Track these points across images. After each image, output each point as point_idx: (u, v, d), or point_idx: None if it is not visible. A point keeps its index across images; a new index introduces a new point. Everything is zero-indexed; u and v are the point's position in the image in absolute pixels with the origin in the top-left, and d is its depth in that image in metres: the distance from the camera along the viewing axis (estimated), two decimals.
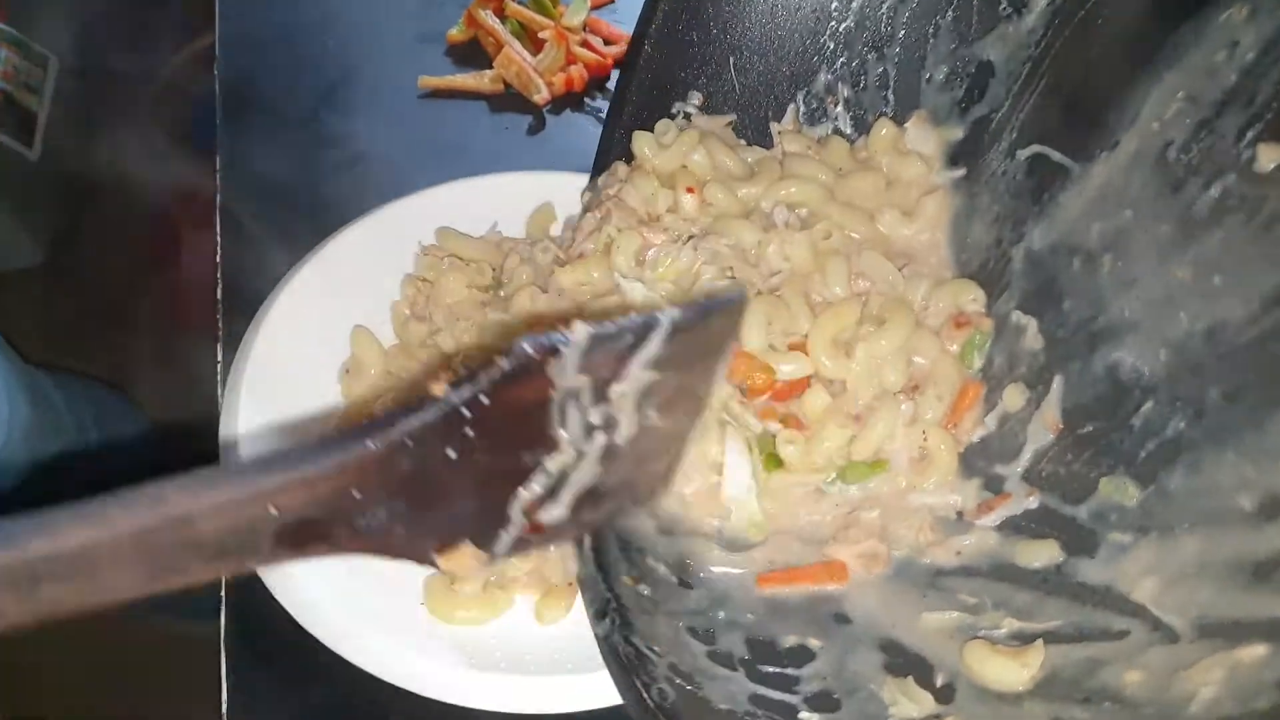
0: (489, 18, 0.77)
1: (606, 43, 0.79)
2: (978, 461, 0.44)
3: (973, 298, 0.47)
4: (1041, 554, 0.40)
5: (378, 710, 0.53)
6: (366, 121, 0.75)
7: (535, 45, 0.77)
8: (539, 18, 0.77)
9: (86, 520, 0.29)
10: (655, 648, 0.38)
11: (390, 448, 0.31)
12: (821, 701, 0.37)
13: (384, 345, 0.61)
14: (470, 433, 0.32)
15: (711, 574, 0.44)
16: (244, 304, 0.62)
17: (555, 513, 0.37)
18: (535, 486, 0.35)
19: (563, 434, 0.34)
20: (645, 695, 0.36)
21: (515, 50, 0.75)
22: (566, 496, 0.37)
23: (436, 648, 0.53)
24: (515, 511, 0.36)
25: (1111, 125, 0.39)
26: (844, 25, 0.49)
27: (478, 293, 0.60)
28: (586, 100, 0.77)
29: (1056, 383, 0.42)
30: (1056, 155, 0.43)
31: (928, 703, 0.36)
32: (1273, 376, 0.32)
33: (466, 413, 0.31)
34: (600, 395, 0.35)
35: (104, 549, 0.29)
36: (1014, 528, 0.41)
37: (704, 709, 0.36)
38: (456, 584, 0.53)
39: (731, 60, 0.50)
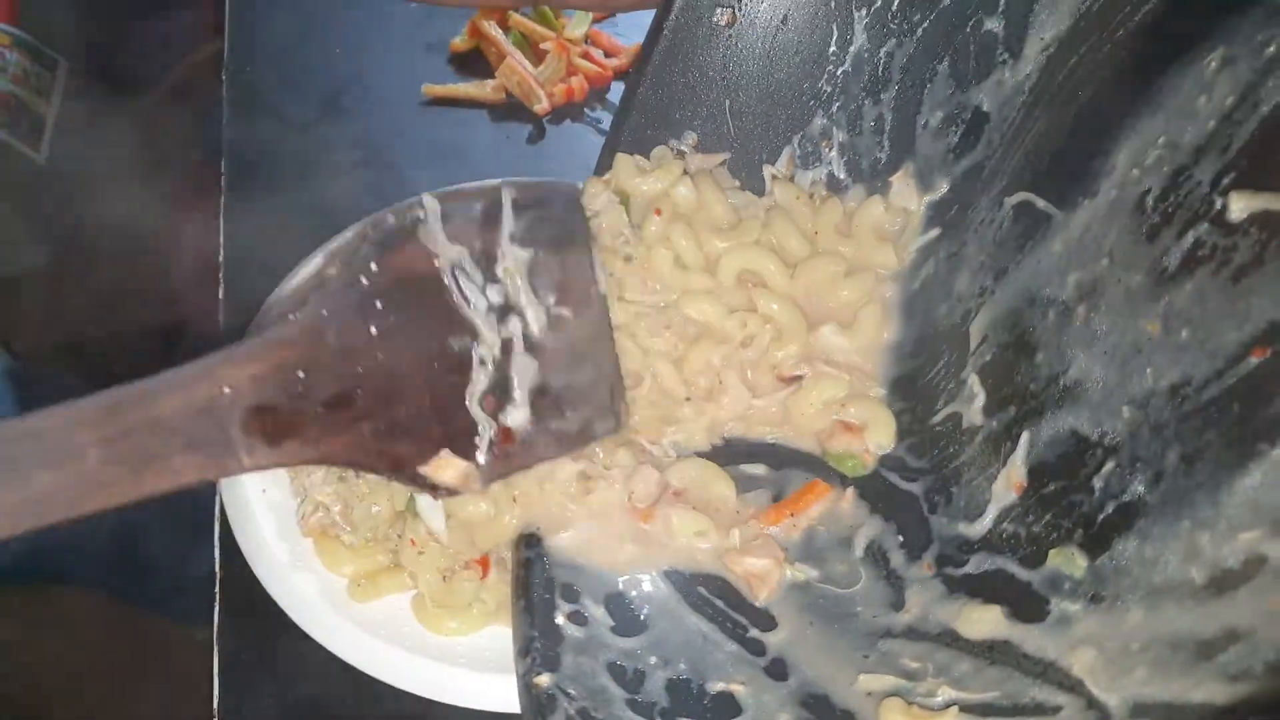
0: (492, 28, 0.78)
1: (607, 54, 0.80)
2: (939, 522, 0.43)
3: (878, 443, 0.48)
4: (988, 620, 0.39)
5: (367, 706, 0.54)
6: (370, 128, 0.76)
7: (537, 56, 0.78)
8: (541, 29, 0.78)
9: (64, 408, 0.33)
10: (571, 691, 0.39)
11: (310, 320, 0.35)
12: None
13: None
14: (379, 305, 0.35)
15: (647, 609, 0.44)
16: (245, 306, 0.63)
17: (518, 415, 0.40)
18: (480, 378, 0.38)
19: (471, 314, 0.37)
20: None
21: (517, 60, 0.76)
22: (519, 395, 0.40)
23: (426, 645, 0.53)
24: (475, 409, 0.39)
25: (1095, 172, 0.39)
26: (841, 69, 0.49)
27: None
28: (586, 111, 0.79)
29: (1023, 439, 0.41)
30: (1041, 203, 0.42)
31: None
32: (1231, 439, 0.31)
33: (365, 281, 0.35)
34: (488, 272, 0.38)
35: (84, 431, 0.32)
36: (967, 588, 0.41)
37: None
38: (441, 603, 0.54)
39: (728, 103, 0.51)
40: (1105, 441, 0.37)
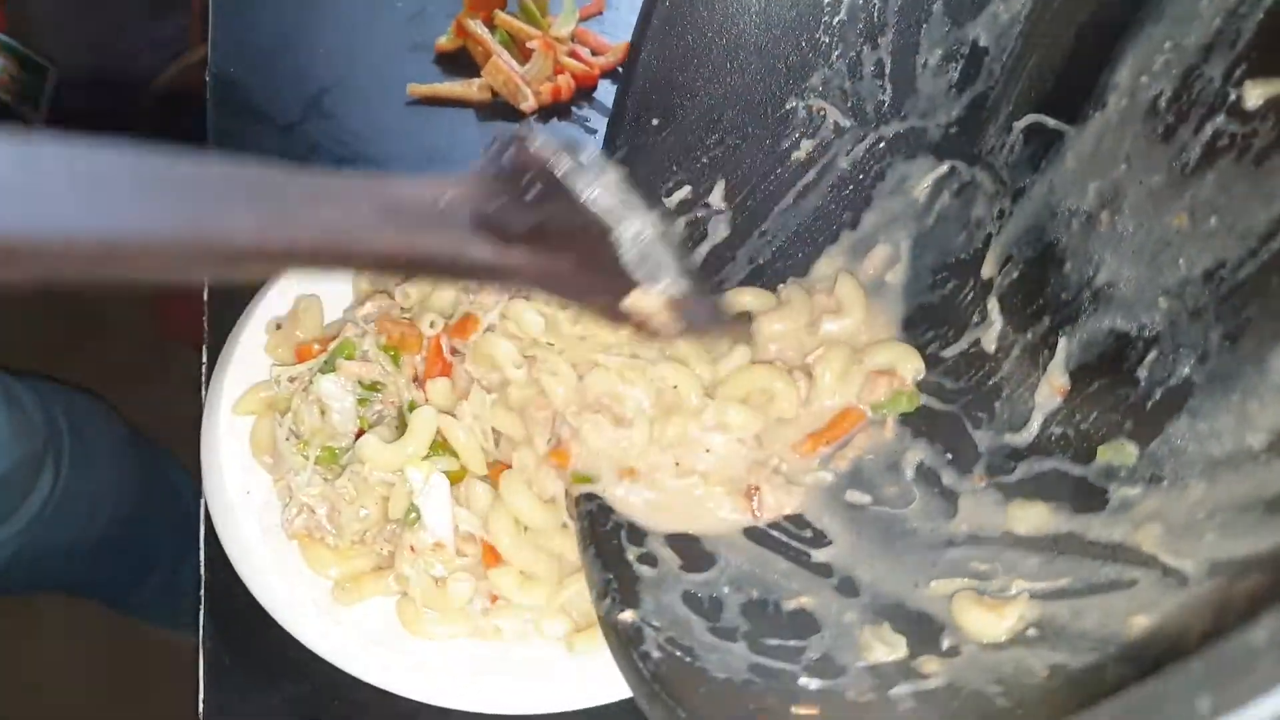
0: (478, 27, 0.77)
1: (594, 53, 0.79)
2: (984, 436, 0.44)
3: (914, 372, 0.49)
4: (1047, 518, 0.40)
5: (354, 710, 0.53)
6: (355, 127, 0.76)
7: (523, 54, 0.77)
8: (527, 27, 0.78)
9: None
10: (654, 623, 0.40)
11: (482, 175, 0.38)
12: (823, 667, 0.38)
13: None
14: (523, 182, 0.37)
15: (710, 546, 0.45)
16: (229, 307, 0.62)
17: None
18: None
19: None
20: (640, 666, 0.37)
21: (503, 59, 0.75)
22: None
23: (413, 649, 0.52)
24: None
25: (1102, 85, 0.40)
26: (837, 19, 0.50)
27: None
28: (574, 109, 0.78)
29: (1061, 346, 0.42)
30: (1052, 122, 0.43)
31: (900, 646, 0.37)
32: (1273, 311, 0.33)
33: (506, 164, 0.37)
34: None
35: (354, 187, 0.34)
36: (1021, 492, 0.41)
37: (700, 678, 0.37)
38: (433, 606, 0.54)
39: (728, 63, 0.51)
40: (1145, 334, 0.38)
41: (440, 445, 0.56)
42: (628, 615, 0.41)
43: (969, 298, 0.48)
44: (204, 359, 0.65)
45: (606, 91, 0.80)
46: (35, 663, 1.23)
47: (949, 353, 0.48)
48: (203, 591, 0.57)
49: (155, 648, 1.16)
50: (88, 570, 1.00)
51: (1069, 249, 0.42)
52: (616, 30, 0.83)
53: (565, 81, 0.78)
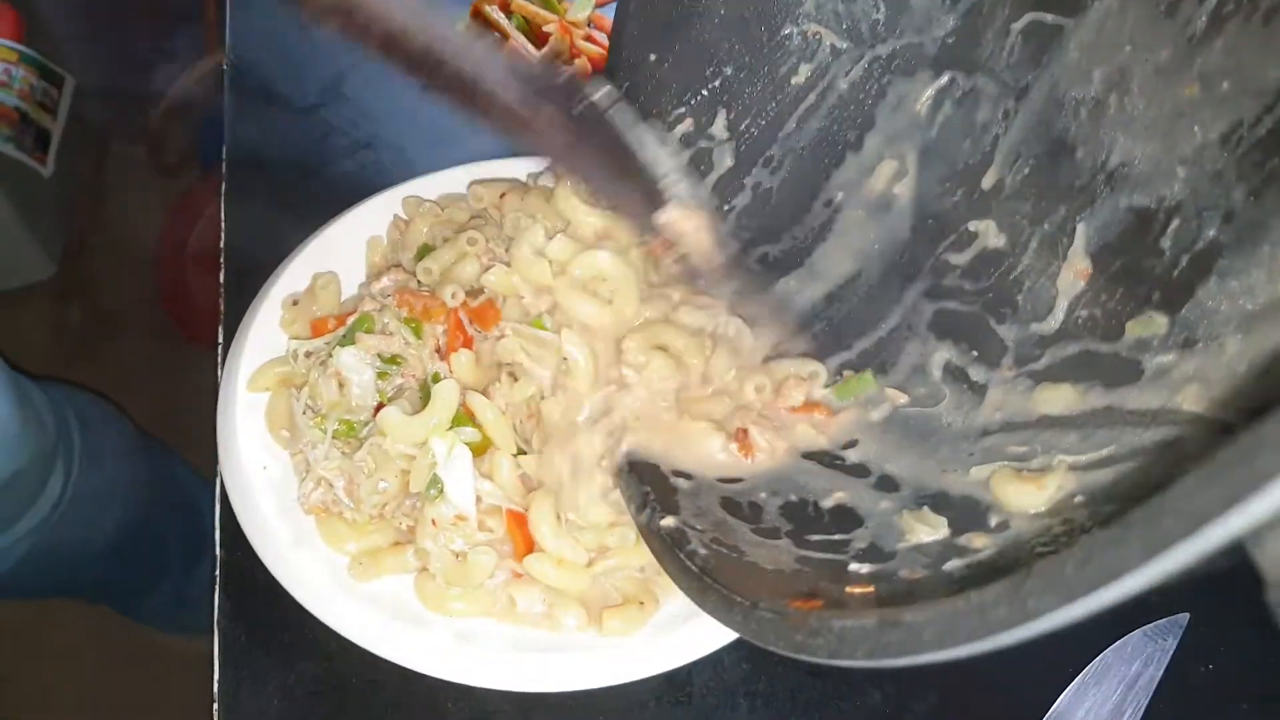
0: (494, 13, 0.77)
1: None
2: (1010, 330, 0.43)
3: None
4: (1076, 397, 0.39)
5: (373, 688, 0.52)
6: (372, 111, 0.76)
7: (540, 40, 0.77)
8: (544, 12, 0.77)
9: None
10: (696, 525, 0.40)
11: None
12: (872, 554, 0.37)
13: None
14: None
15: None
16: (246, 287, 0.61)
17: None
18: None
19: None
20: (689, 563, 0.37)
21: (520, 44, 0.74)
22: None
23: (433, 625, 0.51)
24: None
25: None
26: None
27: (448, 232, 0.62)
28: None
29: (1079, 231, 0.42)
30: (1049, 17, 0.44)
31: (942, 526, 0.37)
32: None
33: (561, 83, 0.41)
34: None
35: None
36: (1051, 376, 0.41)
37: (750, 570, 0.36)
38: (454, 581, 0.53)
39: None
40: (1165, 205, 0.38)
41: (463, 417, 0.54)
42: (669, 521, 0.41)
43: (979, 199, 0.47)
44: (220, 339, 0.64)
45: None
46: (47, 668, 1.21)
47: (964, 257, 0.47)
48: (218, 571, 0.56)
49: (168, 652, 1.14)
50: (99, 573, 0.99)
51: (1079, 136, 0.42)
52: None
53: (583, 65, 0.77)
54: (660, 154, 0.40)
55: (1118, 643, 0.58)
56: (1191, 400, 0.34)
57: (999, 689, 0.56)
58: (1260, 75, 0.34)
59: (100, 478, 0.89)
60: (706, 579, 0.35)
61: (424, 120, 0.76)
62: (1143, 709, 0.56)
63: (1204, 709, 0.57)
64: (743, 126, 0.53)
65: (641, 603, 0.53)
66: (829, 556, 0.37)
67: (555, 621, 0.53)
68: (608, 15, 0.82)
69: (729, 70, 0.52)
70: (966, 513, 0.38)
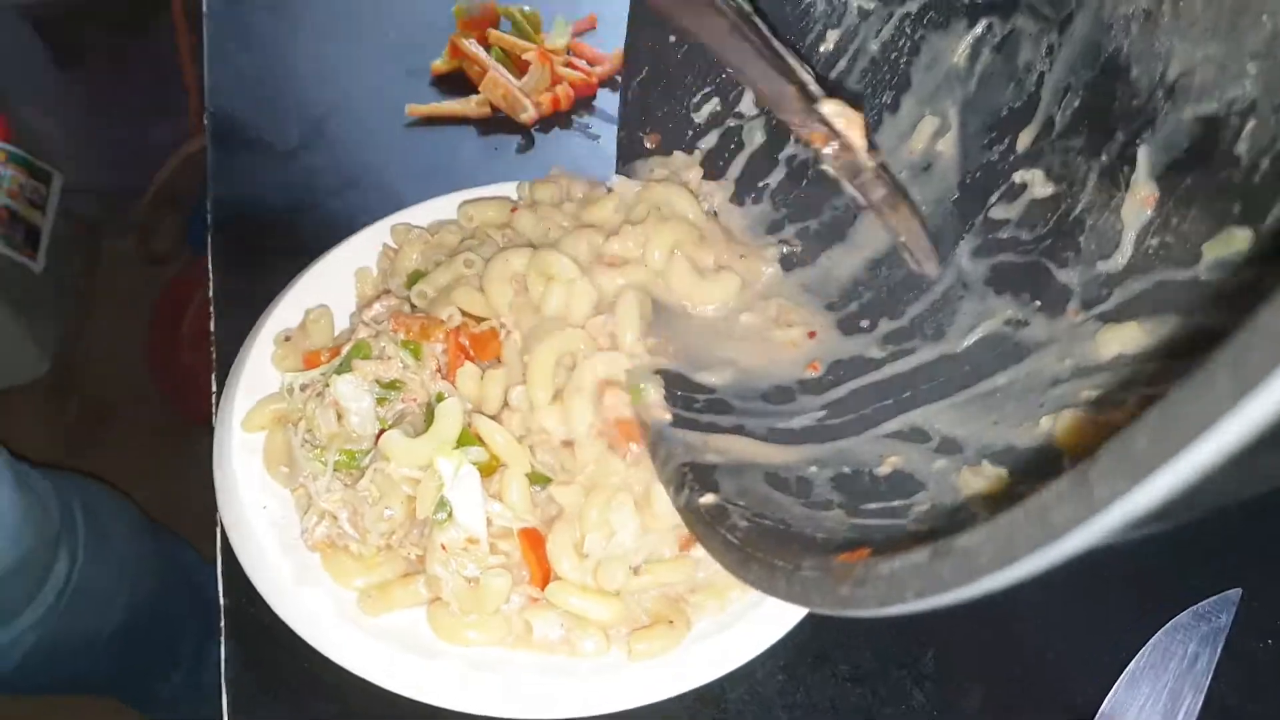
0: (472, 45, 0.77)
1: (591, 64, 0.78)
2: (1073, 274, 0.41)
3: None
4: (1146, 335, 0.36)
5: None
6: (356, 150, 0.76)
7: (520, 70, 0.78)
8: (522, 42, 0.77)
9: None
10: (739, 502, 0.37)
11: None
12: (934, 516, 0.34)
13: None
14: None
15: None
16: (236, 328, 0.60)
17: None
18: None
19: None
20: (729, 537, 0.35)
21: (500, 73, 0.74)
22: None
23: (447, 653, 0.48)
24: None
25: None
26: None
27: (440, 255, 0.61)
28: (574, 118, 0.77)
29: (1141, 154, 0.39)
30: None
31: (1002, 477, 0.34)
32: None
33: None
34: None
35: None
36: (1125, 315, 0.38)
37: (796, 539, 0.34)
38: (468, 609, 0.51)
39: None
40: (1237, 108, 0.35)
41: (469, 437, 0.52)
42: (709, 498, 0.38)
43: (1027, 142, 0.45)
44: (213, 386, 0.62)
45: (607, 99, 0.79)
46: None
47: (1016, 208, 0.45)
48: (222, 618, 0.53)
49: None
50: (108, 664, 0.96)
51: (1132, 54, 0.39)
52: (611, 43, 0.83)
53: (564, 91, 0.77)
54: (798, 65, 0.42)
55: (1167, 625, 0.55)
56: None
57: (1047, 684, 0.54)
58: None
59: (107, 564, 0.88)
60: (748, 550, 0.33)
61: (408, 156, 0.76)
62: (1204, 691, 0.53)
63: (1270, 686, 0.54)
64: None
65: (671, 622, 0.51)
66: (888, 523, 0.35)
67: (574, 647, 0.51)
68: (587, 42, 0.82)
69: None
70: (1032, 461, 0.35)
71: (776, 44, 0.40)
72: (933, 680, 0.53)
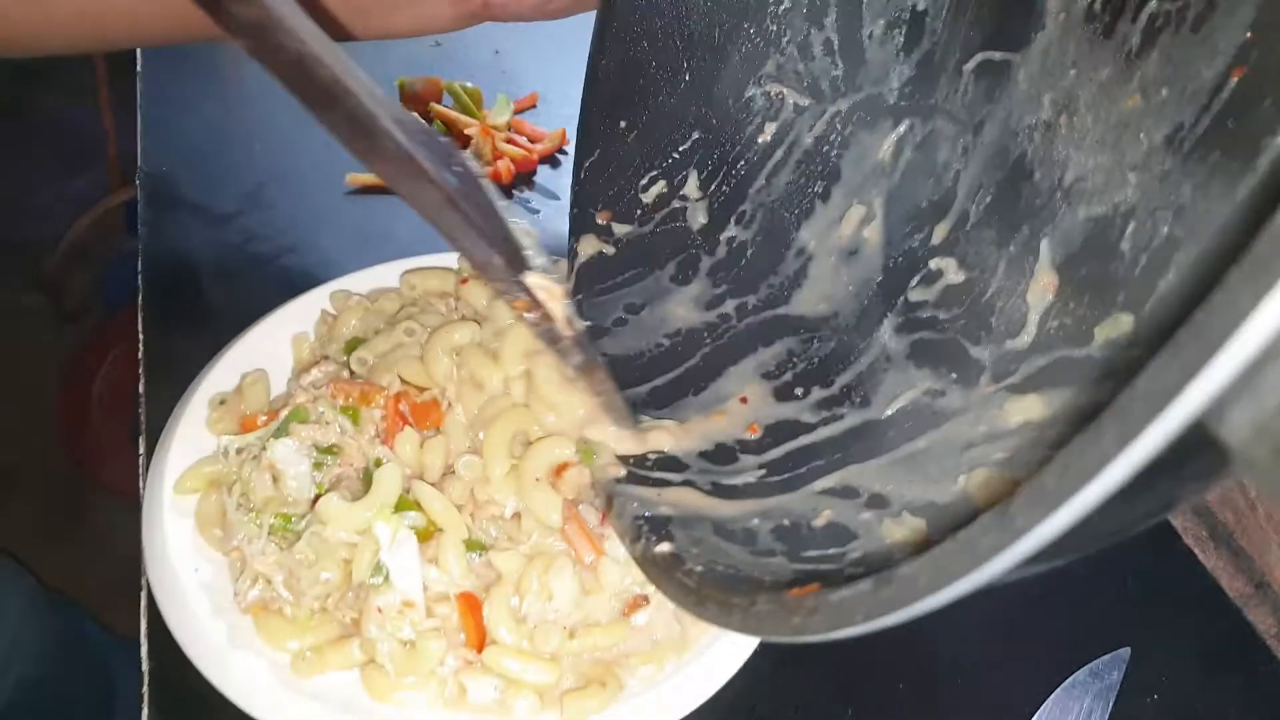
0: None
1: (532, 141, 0.81)
2: (984, 351, 0.45)
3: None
4: (1046, 406, 0.41)
5: None
6: (295, 217, 0.76)
7: (462, 144, 0.79)
8: (464, 117, 0.80)
9: None
10: (693, 551, 0.40)
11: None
12: (868, 561, 0.38)
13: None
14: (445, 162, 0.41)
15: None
16: (165, 390, 0.60)
17: None
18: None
19: None
20: (686, 581, 0.38)
21: None
22: None
23: (382, 716, 0.49)
24: None
25: (1039, 9, 0.44)
26: (782, 7, 0.53)
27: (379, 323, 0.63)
28: (514, 192, 0.79)
29: (1043, 247, 0.44)
30: (998, 55, 0.47)
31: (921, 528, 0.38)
32: (1233, 151, 0.35)
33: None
34: None
35: None
36: (1030, 387, 0.43)
37: (746, 582, 0.37)
38: (405, 671, 0.52)
39: (685, 63, 0.54)
40: (1121, 210, 0.40)
41: (407, 502, 0.53)
42: (665, 547, 0.41)
43: (946, 235, 0.50)
44: (141, 449, 0.62)
45: (547, 176, 0.82)
46: None
47: (934, 290, 0.49)
48: (145, 686, 0.52)
49: None
50: None
51: (1035, 159, 0.45)
52: (552, 121, 0.86)
53: (505, 166, 0.80)
54: (519, 228, 0.44)
55: (1065, 683, 0.59)
56: None
57: None
58: (1195, 78, 0.37)
59: (0, 638, 0.84)
60: (703, 592, 0.36)
61: (347, 224, 0.77)
62: None
63: None
64: (714, 186, 0.56)
65: (604, 683, 0.52)
66: (826, 568, 0.38)
67: (508, 709, 0.52)
68: (527, 120, 0.86)
69: (697, 134, 0.55)
70: (948, 513, 0.39)
71: (500, 212, 0.43)
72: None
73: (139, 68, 0.86)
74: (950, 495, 0.39)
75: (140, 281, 0.70)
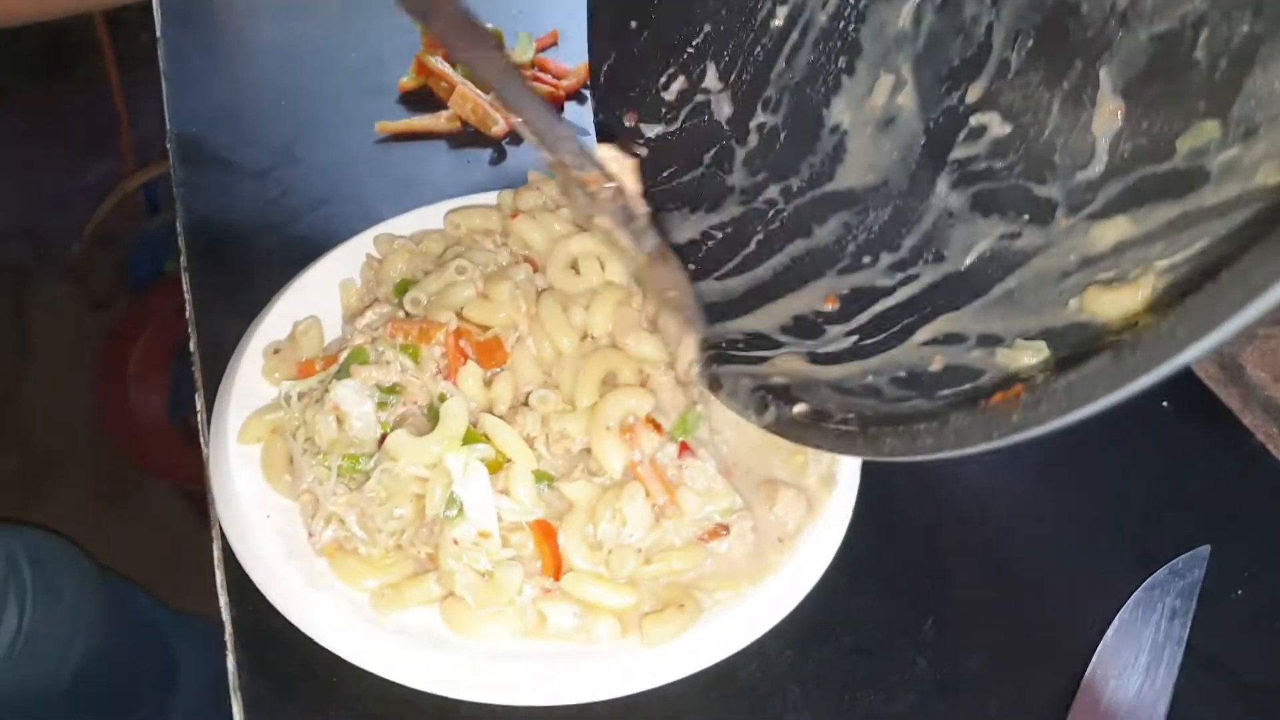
0: (438, 63, 0.78)
1: (556, 78, 0.80)
2: (1053, 189, 0.43)
3: None
4: (1153, 216, 0.40)
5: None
6: (327, 168, 0.76)
7: (485, 85, 0.78)
8: None
9: None
10: (829, 407, 0.40)
11: None
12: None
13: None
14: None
15: None
16: (220, 352, 0.62)
17: None
18: None
19: None
20: (844, 429, 0.37)
21: (469, 89, 0.76)
22: None
23: (464, 647, 0.49)
24: None
25: None
26: None
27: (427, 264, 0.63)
28: None
29: (1103, 76, 0.43)
30: None
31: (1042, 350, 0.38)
32: None
33: None
34: None
35: None
36: (1113, 211, 0.41)
37: (911, 415, 0.36)
38: (484, 602, 0.51)
39: None
40: (1190, 20, 0.39)
41: (473, 434, 0.53)
42: (801, 407, 0.40)
43: (985, 86, 0.48)
44: (199, 406, 0.62)
45: (573, 112, 0.82)
46: None
47: (982, 144, 0.48)
48: (229, 633, 0.52)
49: None
50: (65, 714, 0.93)
51: None
52: (574, 57, 0.85)
53: None
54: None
55: (1146, 582, 0.58)
56: (1272, 174, 0.35)
57: (1041, 644, 0.56)
58: None
59: (58, 614, 0.86)
60: (870, 430, 0.35)
61: (380, 172, 0.77)
62: (1184, 641, 0.56)
63: (1241, 632, 0.58)
64: (734, 75, 0.55)
65: (682, 605, 0.52)
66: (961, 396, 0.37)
67: (589, 634, 0.52)
68: (550, 58, 0.84)
69: (709, 26, 0.54)
70: (1071, 334, 0.38)
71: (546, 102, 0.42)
72: (934, 647, 0.55)
73: (158, 33, 0.86)
74: (1064, 319, 0.39)
75: (181, 243, 0.70)
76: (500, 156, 0.79)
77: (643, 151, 0.55)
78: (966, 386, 0.38)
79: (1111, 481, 0.64)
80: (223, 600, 0.54)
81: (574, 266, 0.59)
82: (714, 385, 0.47)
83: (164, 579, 1.07)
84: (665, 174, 0.54)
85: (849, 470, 0.58)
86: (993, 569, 0.59)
